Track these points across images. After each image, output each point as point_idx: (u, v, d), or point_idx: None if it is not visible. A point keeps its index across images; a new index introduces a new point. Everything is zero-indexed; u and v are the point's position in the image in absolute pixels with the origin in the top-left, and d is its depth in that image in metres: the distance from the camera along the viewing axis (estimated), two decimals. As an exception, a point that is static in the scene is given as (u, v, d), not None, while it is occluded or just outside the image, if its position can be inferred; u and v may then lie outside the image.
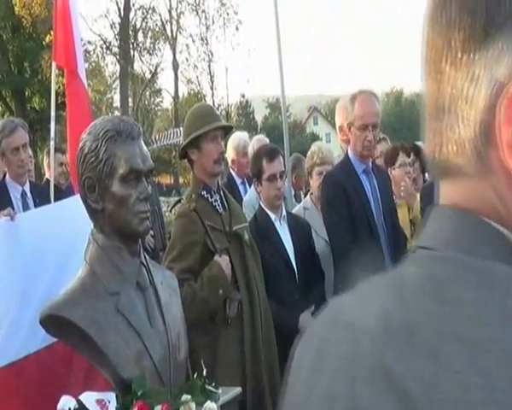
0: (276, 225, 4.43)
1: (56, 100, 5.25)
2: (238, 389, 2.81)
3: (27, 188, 5.00)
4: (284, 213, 4.53)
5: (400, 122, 60.93)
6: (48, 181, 5.90)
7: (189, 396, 2.33)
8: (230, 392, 2.69)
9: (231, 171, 6.69)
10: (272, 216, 4.43)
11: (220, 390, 2.52)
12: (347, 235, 4.29)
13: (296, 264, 4.39)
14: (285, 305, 4.25)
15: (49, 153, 6.27)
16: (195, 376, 2.52)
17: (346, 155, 4.56)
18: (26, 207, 4.81)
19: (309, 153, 5.23)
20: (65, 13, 5.09)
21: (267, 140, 6.60)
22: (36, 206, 4.76)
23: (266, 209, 4.45)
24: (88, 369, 3.13)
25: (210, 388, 2.47)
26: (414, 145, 6.31)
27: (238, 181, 6.59)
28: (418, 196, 5.27)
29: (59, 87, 11.69)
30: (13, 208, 4.22)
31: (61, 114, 19.64)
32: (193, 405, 2.32)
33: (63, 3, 5.09)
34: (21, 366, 3.26)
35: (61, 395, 2.16)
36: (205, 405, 2.37)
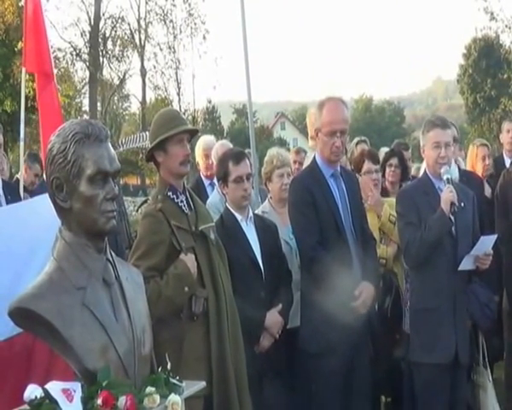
0: (243, 225, 4.51)
1: (26, 104, 5.30)
2: (202, 383, 2.82)
3: None
4: (251, 214, 4.61)
5: (369, 128, 61.19)
6: (18, 180, 6.01)
7: (153, 389, 2.36)
8: (195, 386, 2.70)
9: (200, 174, 6.78)
10: (239, 217, 4.50)
11: (184, 384, 2.56)
12: (314, 236, 4.36)
13: (263, 263, 4.47)
14: (252, 303, 4.31)
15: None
16: (160, 369, 2.57)
17: (314, 159, 4.61)
18: None
19: (267, 158, 5.30)
20: (37, 21, 5.14)
21: (230, 145, 6.62)
22: (8, 203, 4.86)
23: (232, 210, 4.52)
24: (48, 362, 3.19)
25: (174, 381, 2.50)
26: (399, 151, 6.36)
27: (206, 182, 6.67)
28: (391, 201, 5.28)
29: (29, 91, 11.83)
30: None
31: (31, 117, 19.60)
32: (157, 397, 2.34)
33: (34, 12, 5.15)
34: None
35: (21, 386, 2.21)
36: (169, 398, 2.40)
